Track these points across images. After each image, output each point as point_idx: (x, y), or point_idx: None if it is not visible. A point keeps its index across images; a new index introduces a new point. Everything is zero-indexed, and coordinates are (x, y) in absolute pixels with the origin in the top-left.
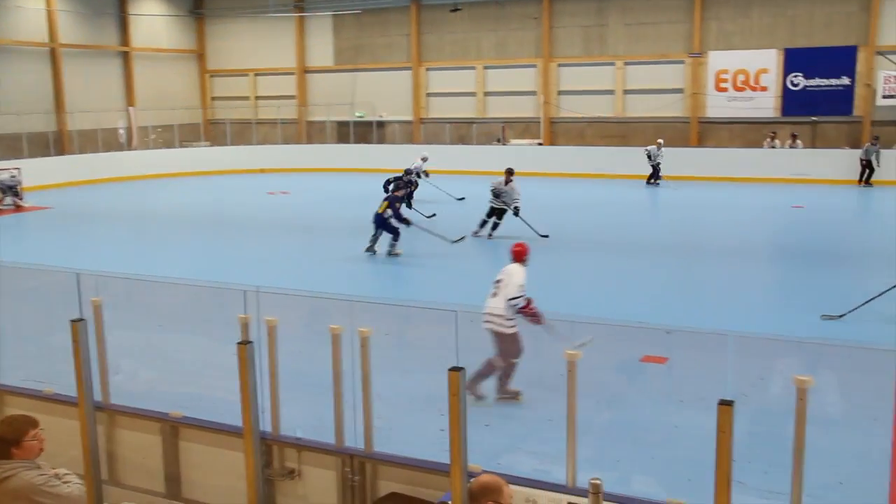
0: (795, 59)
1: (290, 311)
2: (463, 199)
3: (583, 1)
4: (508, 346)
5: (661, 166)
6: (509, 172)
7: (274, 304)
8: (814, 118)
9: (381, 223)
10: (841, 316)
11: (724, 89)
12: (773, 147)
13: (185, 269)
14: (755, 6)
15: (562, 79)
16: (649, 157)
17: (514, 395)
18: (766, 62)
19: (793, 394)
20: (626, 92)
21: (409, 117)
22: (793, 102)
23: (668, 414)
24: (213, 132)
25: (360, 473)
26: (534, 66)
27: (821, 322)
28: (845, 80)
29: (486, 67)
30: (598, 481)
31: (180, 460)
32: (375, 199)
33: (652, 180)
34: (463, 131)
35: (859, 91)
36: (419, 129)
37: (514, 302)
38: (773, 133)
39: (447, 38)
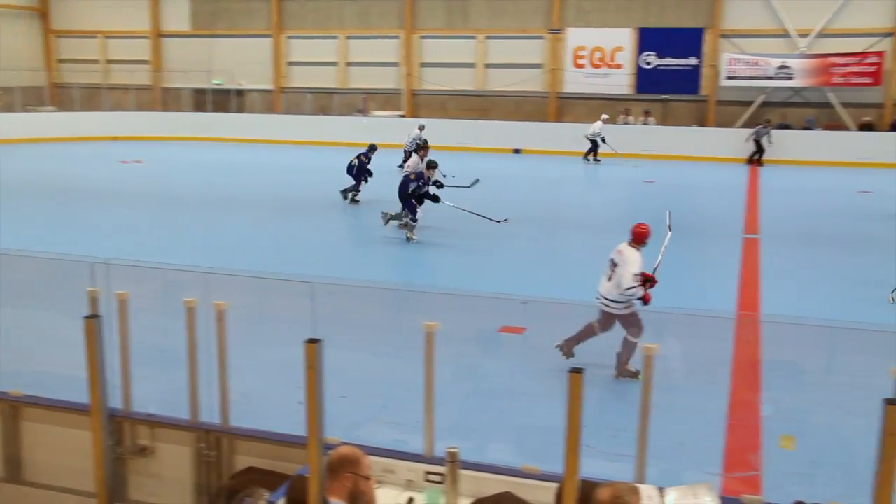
0: (648, 39)
1: (144, 285)
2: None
3: None
4: (634, 324)
5: (600, 143)
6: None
7: (126, 278)
8: (665, 96)
9: (401, 195)
10: None
11: (582, 66)
12: (628, 123)
13: (29, 242)
14: None
15: (424, 51)
16: (596, 133)
17: (634, 375)
18: (622, 40)
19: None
20: (488, 66)
21: (269, 86)
22: (645, 80)
23: (525, 383)
24: (59, 97)
25: (216, 449)
26: (396, 37)
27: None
28: (693, 61)
29: (348, 38)
30: (454, 450)
31: (22, 441)
32: (234, 167)
33: (590, 157)
34: (324, 102)
35: (705, 72)
36: (280, 99)
37: (630, 292)
38: (627, 109)
39: (309, 6)
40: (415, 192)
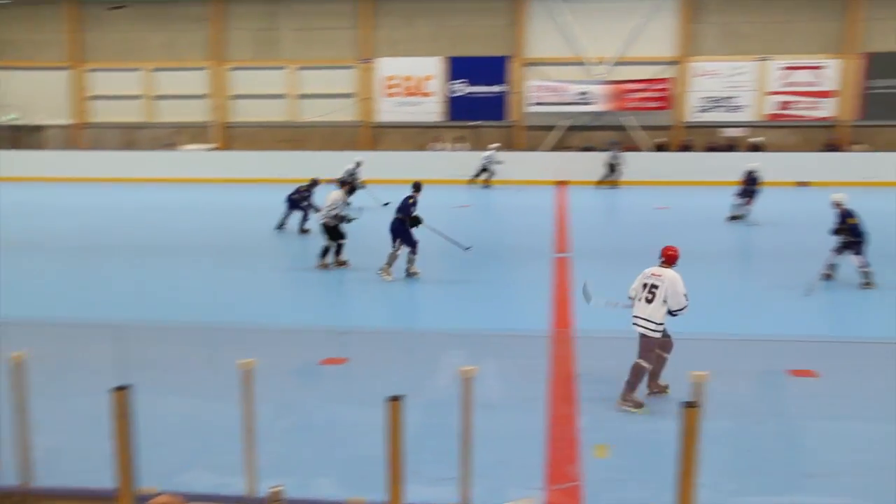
0: (457, 67)
1: None
2: (388, 203)
3: (253, 4)
4: (656, 345)
5: (493, 172)
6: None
7: None
8: (475, 123)
9: (395, 232)
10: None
11: (394, 95)
12: (441, 150)
13: None
14: (420, 16)
15: (234, 82)
16: (487, 161)
17: (664, 389)
18: (431, 69)
19: (460, 384)
20: (300, 96)
21: (69, 121)
22: (456, 108)
23: (348, 414)
24: None
25: None
26: (204, 69)
27: (490, 312)
28: (500, 88)
29: (154, 70)
30: (278, 488)
31: None
32: (32, 209)
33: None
34: (131, 137)
35: (512, 98)
36: (82, 135)
37: (680, 313)
38: (439, 136)
39: (110, 37)
40: (415, 222)
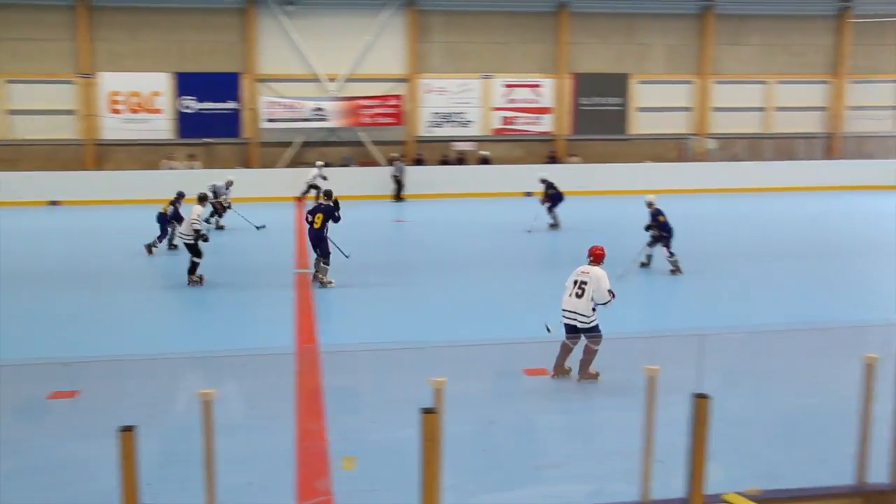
0: (186, 83)
1: None
2: (264, 226)
3: None
4: (594, 335)
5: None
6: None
7: None
8: (207, 140)
9: (318, 240)
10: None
11: (119, 111)
12: (172, 168)
13: None
14: (144, 30)
15: None
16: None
17: (595, 376)
18: (159, 85)
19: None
20: (12, 112)
21: None
22: (187, 124)
23: (78, 449)
24: None
25: None
26: None
27: (232, 332)
28: (233, 105)
29: None
30: None
31: None
32: None
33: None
34: None
35: (246, 115)
36: None
37: (607, 305)
38: (171, 155)
39: None
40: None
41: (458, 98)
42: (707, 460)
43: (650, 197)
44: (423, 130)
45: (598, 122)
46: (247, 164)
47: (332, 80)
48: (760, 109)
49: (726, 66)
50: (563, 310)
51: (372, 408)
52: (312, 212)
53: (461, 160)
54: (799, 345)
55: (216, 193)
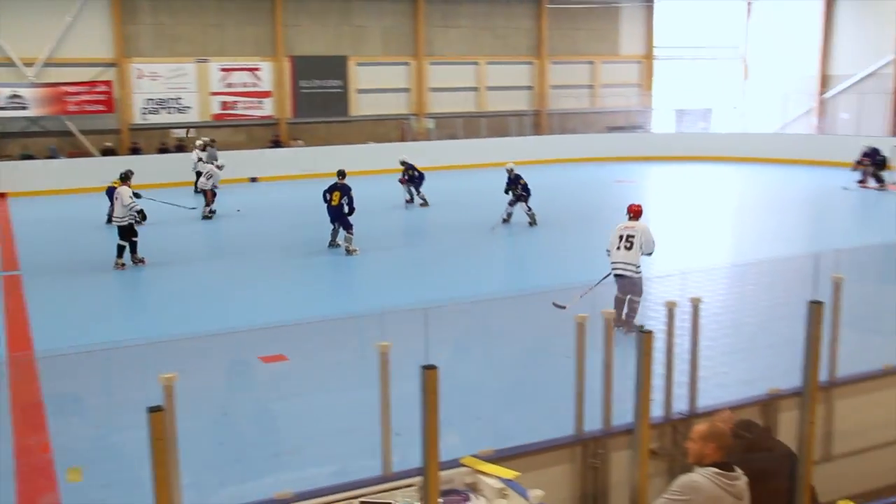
0: None
1: None
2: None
3: None
4: (640, 287)
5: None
6: None
7: None
8: None
9: (337, 216)
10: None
11: None
12: None
13: None
14: None
15: None
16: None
17: (641, 328)
18: None
19: None
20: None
21: None
22: None
23: None
24: None
25: None
26: None
27: None
28: None
29: None
30: None
31: None
32: None
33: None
34: None
35: None
36: None
37: (651, 254)
38: None
39: None
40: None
41: (173, 83)
42: (440, 428)
43: (510, 164)
44: (138, 118)
45: (320, 104)
46: None
47: (28, 64)
48: (474, 89)
49: (440, 47)
50: (614, 262)
51: (98, 412)
52: (330, 190)
53: (181, 148)
54: (520, 310)
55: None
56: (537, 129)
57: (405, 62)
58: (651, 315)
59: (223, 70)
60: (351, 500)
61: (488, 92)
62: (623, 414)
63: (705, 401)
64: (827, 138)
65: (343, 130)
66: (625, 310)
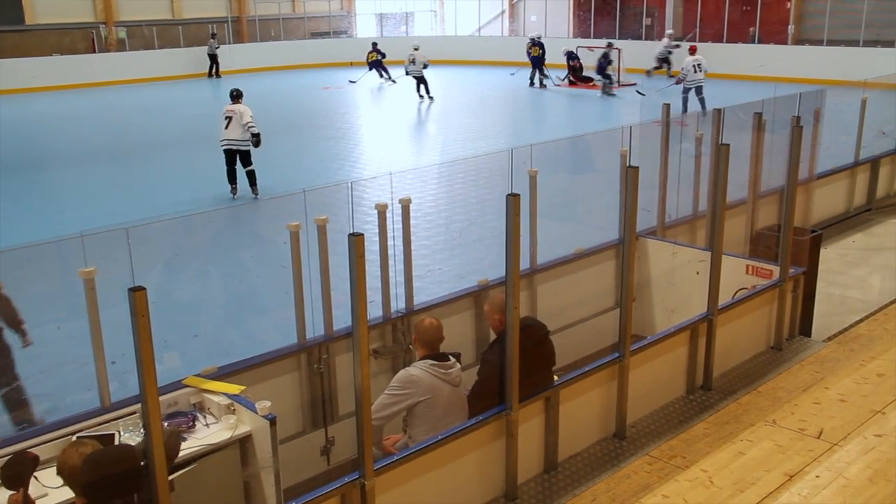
0: None
1: None
2: None
3: None
4: None
5: None
6: None
7: None
8: None
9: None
10: None
11: None
12: None
13: None
14: None
15: None
16: None
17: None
18: None
19: None
20: None
21: None
22: None
23: None
24: None
25: None
26: None
27: None
28: None
29: None
30: None
31: None
32: None
33: None
34: None
35: None
36: None
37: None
38: None
39: None
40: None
41: None
42: (154, 351)
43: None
44: None
45: None
46: None
47: None
48: None
49: None
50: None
51: None
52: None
53: None
54: (231, 223)
55: None
56: (239, 37)
57: None
58: (365, 219)
59: None
60: (69, 438)
61: None
62: (345, 318)
63: (422, 298)
64: (518, 39)
65: (22, 41)
66: None
